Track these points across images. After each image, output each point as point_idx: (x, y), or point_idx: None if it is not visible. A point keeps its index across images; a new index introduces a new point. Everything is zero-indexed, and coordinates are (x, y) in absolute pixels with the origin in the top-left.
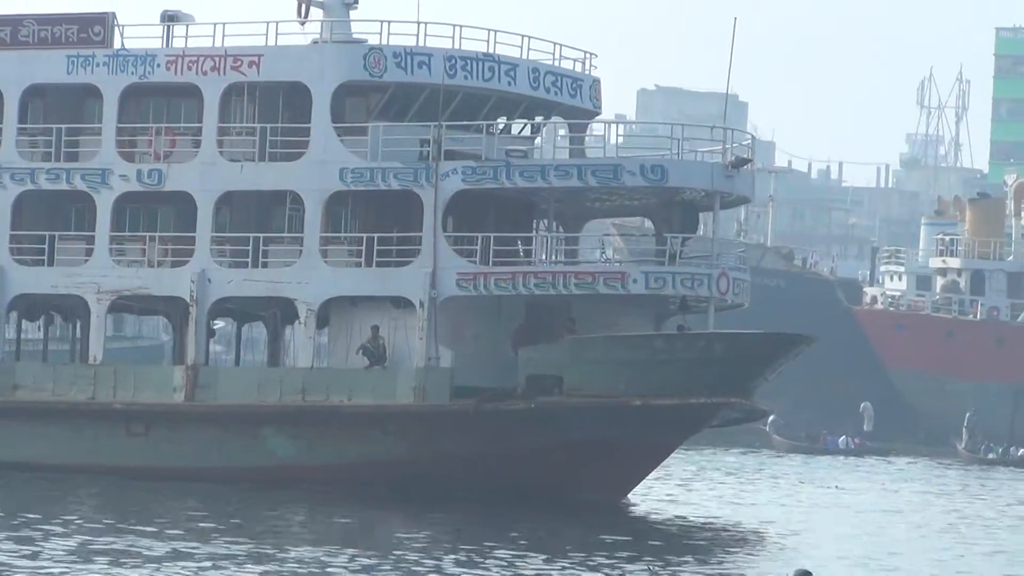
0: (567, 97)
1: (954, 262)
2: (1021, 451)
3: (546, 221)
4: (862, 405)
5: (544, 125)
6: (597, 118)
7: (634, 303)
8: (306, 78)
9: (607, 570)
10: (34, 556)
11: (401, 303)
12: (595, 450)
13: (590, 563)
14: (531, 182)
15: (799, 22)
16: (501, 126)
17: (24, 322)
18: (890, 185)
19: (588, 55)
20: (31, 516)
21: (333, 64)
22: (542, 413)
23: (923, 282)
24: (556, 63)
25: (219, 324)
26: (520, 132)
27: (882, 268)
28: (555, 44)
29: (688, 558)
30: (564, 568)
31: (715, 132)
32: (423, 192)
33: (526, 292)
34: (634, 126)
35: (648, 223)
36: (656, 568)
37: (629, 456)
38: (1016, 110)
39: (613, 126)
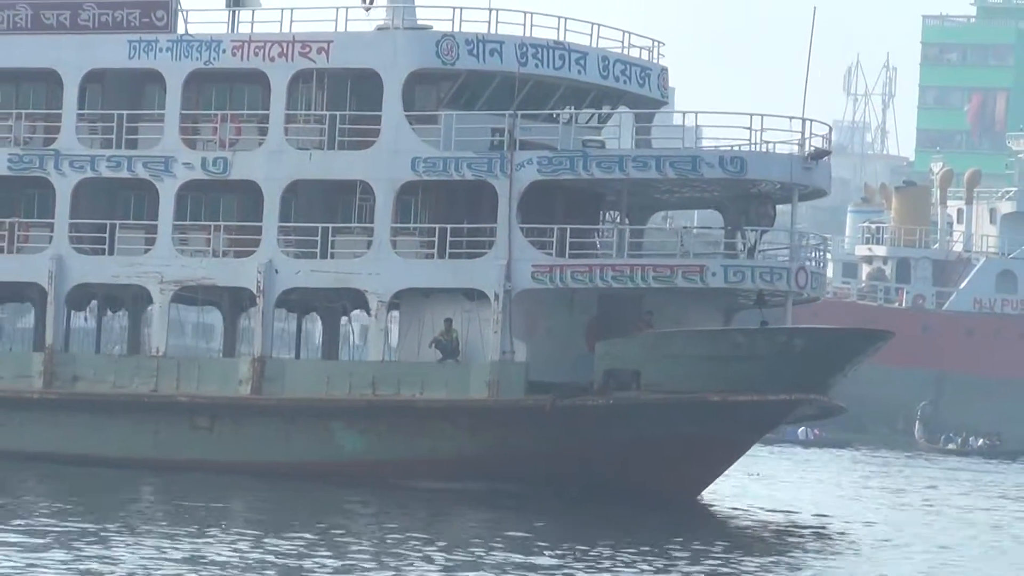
0: (635, 86)
1: (880, 250)
2: (980, 441)
3: (613, 213)
4: None
5: (611, 115)
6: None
7: (704, 297)
8: (377, 65)
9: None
10: (100, 550)
11: (474, 295)
12: (672, 447)
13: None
14: (608, 173)
15: (727, 7)
16: (568, 116)
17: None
18: None
19: (656, 43)
20: (95, 512)
21: (406, 51)
22: (620, 409)
23: (849, 269)
24: (624, 51)
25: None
26: (587, 122)
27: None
28: (624, 32)
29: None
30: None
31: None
32: (497, 182)
33: (603, 285)
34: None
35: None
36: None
37: (706, 453)
38: (942, 98)
39: (690, 116)
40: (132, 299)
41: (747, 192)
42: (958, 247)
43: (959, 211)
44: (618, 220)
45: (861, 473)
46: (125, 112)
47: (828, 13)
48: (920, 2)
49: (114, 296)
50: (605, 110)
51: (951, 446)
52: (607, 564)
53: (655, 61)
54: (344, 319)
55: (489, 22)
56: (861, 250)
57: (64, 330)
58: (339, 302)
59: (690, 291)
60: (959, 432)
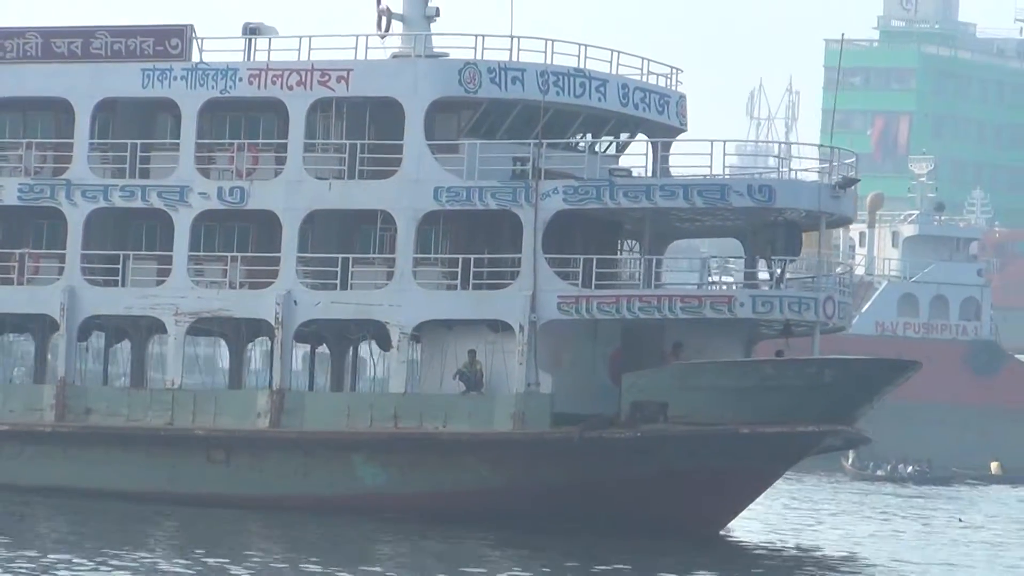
0: (654, 114)
1: None
2: (910, 468)
3: (632, 242)
4: None
5: (629, 143)
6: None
7: (727, 327)
8: (398, 93)
9: None
10: None
11: (498, 327)
12: (700, 479)
13: None
14: (635, 202)
15: (627, 30)
16: (586, 143)
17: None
18: None
19: (675, 70)
20: (110, 547)
21: (427, 79)
22: (648, 441)
23: None
24: (643, 78)
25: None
26: (605, 150)
27: (713, 279)
28: (643, 59)
29: None
30: None
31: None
32: (522, 212)
33: (630, 316)
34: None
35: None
36: None
37: (733, 485)
38: (845, 121)
39: (719, 144)
40: (145, 330)
41: (772, 221)
42: (860, 270)
43: (861, 234)
44: (637, 249)
45: (836, 500)
46: (140, 141)
47: (732, 37)
48: (823, 26)
49: (120, 328)
50: (624, 138)
51: (880, 473)
52: None
53: (674, 88)
54: (363, 350)
55: (511, 50)
56: (762, 274)
57: (75, 362)
58: (359, 334)
59: (713, 321)
60: (887, 459)
